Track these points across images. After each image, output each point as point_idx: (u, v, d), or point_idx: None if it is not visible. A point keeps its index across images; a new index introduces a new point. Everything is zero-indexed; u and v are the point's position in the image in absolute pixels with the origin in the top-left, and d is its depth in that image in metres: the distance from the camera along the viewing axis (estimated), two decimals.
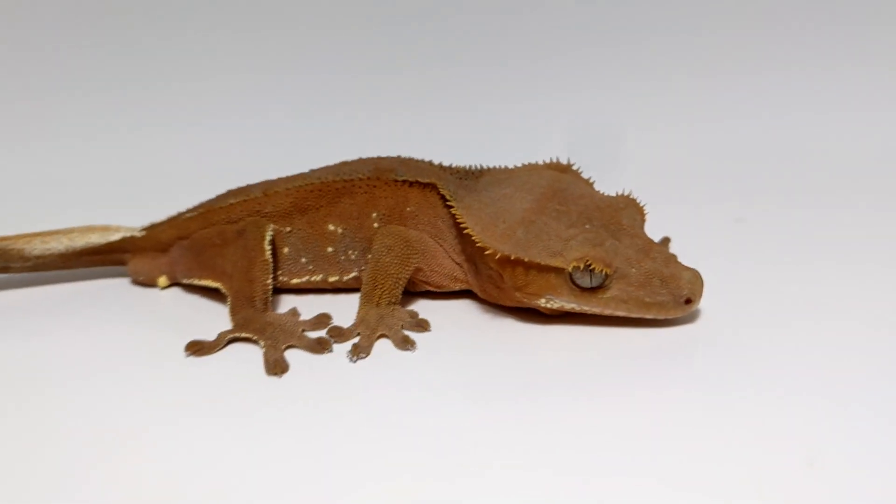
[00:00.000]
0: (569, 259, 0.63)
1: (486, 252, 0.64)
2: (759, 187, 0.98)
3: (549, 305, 0.65)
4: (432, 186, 0.71)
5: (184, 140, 1.19)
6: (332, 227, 0.72)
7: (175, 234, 0.76)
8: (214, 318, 0.71)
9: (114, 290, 0.79)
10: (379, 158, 0.76)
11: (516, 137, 1.15)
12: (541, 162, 0.74)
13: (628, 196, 0.69)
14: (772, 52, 1.14)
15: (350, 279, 0.73)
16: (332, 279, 0.73)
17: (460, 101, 1.21)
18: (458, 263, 0.70)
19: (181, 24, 1.21)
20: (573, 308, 0.65)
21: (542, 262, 0.63)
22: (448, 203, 0.69)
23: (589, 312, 0.65)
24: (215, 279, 0.72)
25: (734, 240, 0.84)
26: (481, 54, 1.19)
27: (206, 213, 0.75)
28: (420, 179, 0.71)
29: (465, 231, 0.66)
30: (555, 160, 0.74)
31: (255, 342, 0.66)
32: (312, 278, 0.73)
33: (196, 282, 0.74)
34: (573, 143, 1.11)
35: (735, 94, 1.16)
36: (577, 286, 0.63)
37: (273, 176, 0.80)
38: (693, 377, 0.59)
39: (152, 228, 0.78)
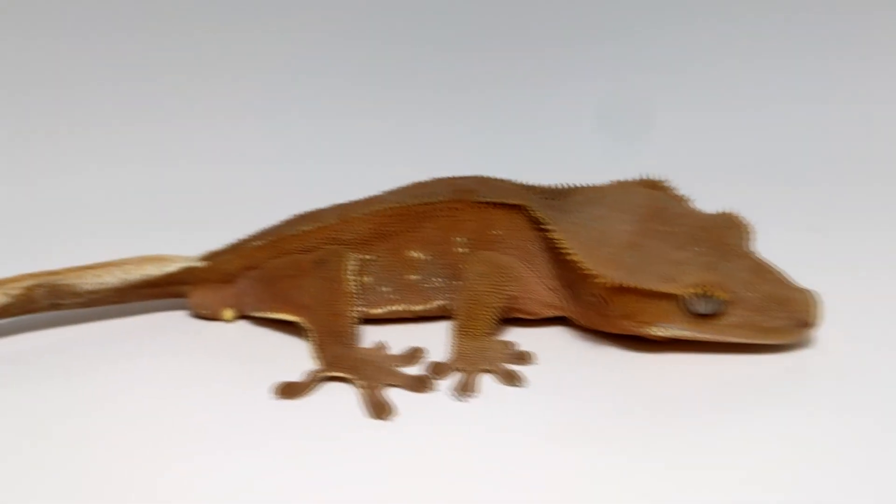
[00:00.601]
0: (684, 285, 0.59)
1: (596, 280, 0.60)
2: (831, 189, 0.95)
3: (660, 333, 0.62)
4: (520, 208, 0.67)
5: (211, 163, 1.13)
6: (415, 254, 0.68)
7: (242, 265, 0.71)
8: (290, 352, 0.67)
9: (174, 323, 0.73)
10: (455, 178, 0.72)
11: (543, 127, 1.12)
12: (630, 179, 0.71)
13: (731, 213, 0.66)
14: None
15: (435, 308, 0.69)
16: (415, 308, 0.69)
17: (482, 91, 1.16)
18: (552, 289, 0.67)
19: (200, 37, 1.16)
20: (686, 336, 0.61)
21: (656, 289, 0.60)
22: (543, 227, 0.65)
23: (702, 340, 0.62)
24: (292, 312, 0.67)
25: (813, 250, 0.81)
26: (502, 44, 1.15)
27: (277, 241, 0.70)
28: (506, 201, 0.68)
29: (568, 257, 0.62)
30: (645, 176, 0.71)
31: (350, 382, 0.62)
32: (395, 308, 0.69)
33: (269, 315, 0.69)
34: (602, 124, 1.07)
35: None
36: (692, 313, 0.60)
37: (306, 196, 0.77)
38: (819, 407, 0.56)
39: (215, 258, 0.73)
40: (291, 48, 1.17)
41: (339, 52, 1.17)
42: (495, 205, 0.68)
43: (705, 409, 0.58)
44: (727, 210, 0.66)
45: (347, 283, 0.65)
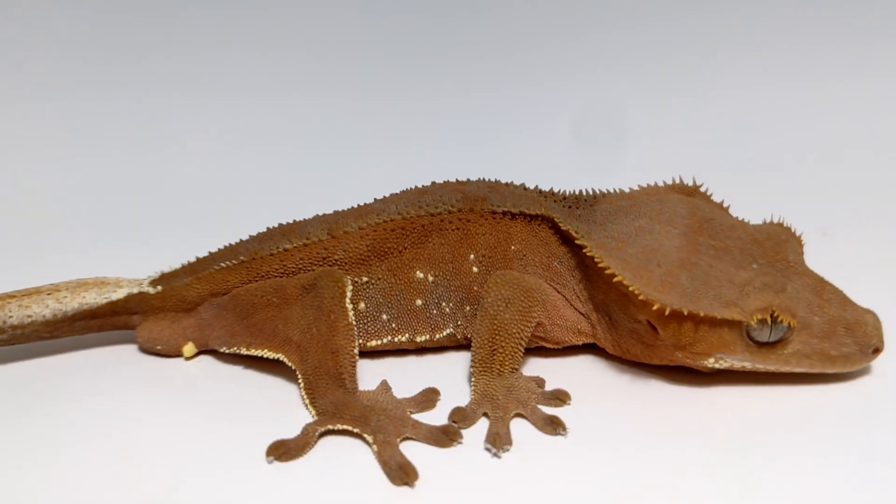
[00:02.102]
0: (748, 310, 0.51)
1: (652, 306, 0.51)
2: (837, 191, 0.89)
3: (716, 366, 0.53)
4: (543, 219, 0.58)
5: (173, 156, 0.99)
6: (420, 275, 0.58)
7: (206, 290, 0.59)
8: (271, 397, 0.56)
9: (119, 361, 0.60)
10: (461, 184, 0.61)
11: (520, 128, 1.03)
12: (661, 184, 0.62)
13: (781, 223, 0.58)
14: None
15: (443, 338, 0.59)
16: (420, 339, 0.58)
17: (461, 92, 1.07)
18: (583, 314, 0.57)
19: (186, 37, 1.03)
20: (745, 367, 0.53)
21: (718, 316, 0.51)
22: (576, 242, 0.56)
23: (762, 371, 0.54)
24: (275, 349, 0.55)
25: (826, 260, 0.73)
26: (481, 45, 1.05)
27: (251, 262, 0.58)
28: (526, 211, 0.58)
29: (613, 280, 0.53)
30: (677, 181, 0.62)
31: (357, 436, 0.51)
32: (396, 339, 0.58)
33: (243, 351, 0.57)
34: (579, 132, 0.99)
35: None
36: (754, 341, 0.52)
37: (276, 203, 0.65)
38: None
39: (169, 282, 0.60)
40: (271, 50, 1.06)
41: (319, 55, 1.06)
42: (513, 215, 0.58)
43: (780, 451, 0.49)
44: (774, 221, 0.58)
45: (346, 312, 0.54)
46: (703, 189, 0.61)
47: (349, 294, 0.55)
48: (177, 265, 0.62)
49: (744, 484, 0.47)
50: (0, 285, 0.61)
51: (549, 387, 0.55)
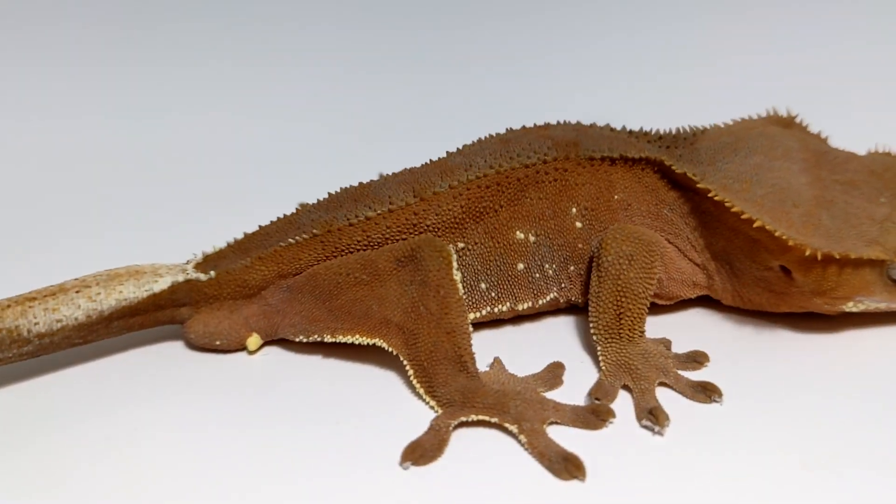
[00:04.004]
0: (892, 248, 0.47)
1: (803, 251, 0.46)
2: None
3: (854, 309, 0.49)
4: (647, 163, 0.52)
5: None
6: (520, 235, 0.51)
7: (273, 272, 0.50)
8: (370, 389, 0.48)
9: (171, 360, 0.51)
10: (544, 128, 0.55)
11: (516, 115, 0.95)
12: (755, 117, 0.57)
13: (888, 153, 0.54)
14: None
15: (545, 303, 0.52)
16: (522, 307, 0.52)
17: (457, 75, 0.99)
18: (698, 265, 0.52)
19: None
20: (880, 308, 0.50)
21: (865, 256, 0.47)
22: (699, 186, 0.50)
23: (894, 310, 0.50)
24: (369, 333, 0.48)
25: None
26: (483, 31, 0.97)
27: (326, 235, 0.50)
28: (627, 154, 0.52)
29: (755, 225, 0.47)
30: (772, 112, 0.57)
31: (496, 426, 0.44)
32: (496, 309, 0.51)
33: (328, 338, 0.49)
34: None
35: None
36: (894, 280, 0.48)
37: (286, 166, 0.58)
38: None
39: (222, 265, 0.51)
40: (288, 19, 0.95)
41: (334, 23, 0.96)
42: (613, 161, 0.52)
43: None
44: (881, 148, 0.55)
45: (456, 285, 0.47)
46: (798, 119, 0.57)
47: (455, 264, 0.47)
48: (205, 246, 0.53)
49: None
50: None
51: (673, 347, 0.50)
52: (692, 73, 0.95)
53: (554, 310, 0.54)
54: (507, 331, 0.53)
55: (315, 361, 0.51)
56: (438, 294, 0.46)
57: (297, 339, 0.50)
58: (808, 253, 0.46)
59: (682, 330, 0.53)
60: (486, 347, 0.51)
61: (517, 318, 0.53)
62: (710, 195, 0.49)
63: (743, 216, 0.48)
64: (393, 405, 0.47)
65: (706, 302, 0.54)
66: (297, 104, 0.95)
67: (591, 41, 0.99)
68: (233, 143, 0.87)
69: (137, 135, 0.87)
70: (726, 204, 0.49)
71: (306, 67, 0.97)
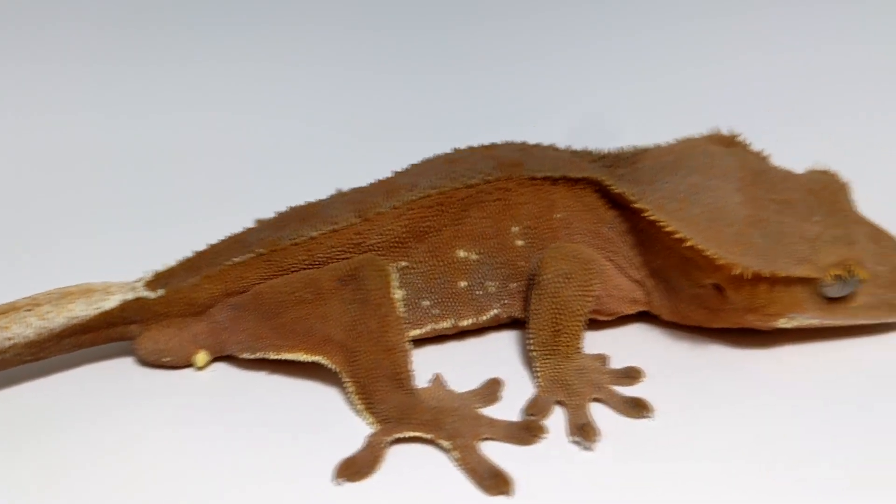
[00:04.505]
0: (822, 266, 0.49)
1: (731, 269, 0.48)
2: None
3: (786, 325, 0.51)
4: (587, 183, 0.53)
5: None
6: (462, 254, 0.52)
7: (219, 290, 0.52)
8: (312, 405, 0.50)
9: (123, 378, 0.52)
10: (489, 147, 0.56)
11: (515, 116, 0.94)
12: (697, 135, 0.58)
13: (827, 170, 0.55)
14: None
15: (487, 320, 0.54)
16: (464, 323, 0.53)
17: (456, 76, 0.98)
18: (636, 281, 0.53)
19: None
20: (813, 324, 0.51)
21: (795, 275, 0.48)
22: (631, 206, 0.51)
23: (828, 326, 0.51)
24: (312, 351, 0.49)
25: None
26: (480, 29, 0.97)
27: (271, 254, 0.51)
28: (568, 174, 0.53)
29: (685, 244, 0.49)
30: (714, 131, 0.58)
31: (430, 442, 0.46)
32: (439, 326, 0.53)
33: (272, 355, 0.50)
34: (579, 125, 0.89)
35: None
36: (825, 298, 0.50)
37: (266, 182, 0.58)
38: None
39: (171, 284, 0.52)
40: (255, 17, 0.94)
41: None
42: (555, 180, 0.53)
43: (870, 401, 0.48)
44: (819, 167, 0.56)
45: (394, 304, 0.48)
46: (740, 138, 0.58)
47: (395, 283, 0.49)
48: (164, 262, 0.54)
49: (841, 441, 0.45)
50: None
51: (610, 363, 0.52)
52: (670, 83, 0.95)
53: (498, 325, 0.55)
54: (452, 347, 0.54)
55: (261, 378, 0.52)
56: (378, 313, 0.48)
57: (244, 356, 0.52)
58: (737, 271, 0.48)
59: (623, 345, 0.54)
60: (430, 363, 0.52)
61: (462, 334, 0.55)
62: (644, 214, 0.51)
63: (675, 235, 0.49)
64: (335, 421, 0.48)
65: (647, 317, 0.55)
66: (285, 105, 0.93)
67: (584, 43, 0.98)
68: (217, 144, 0.86)
69: (113, 137, 0.87)
70: (660, 223, 0.50)
71: (293, 68, 0.96)
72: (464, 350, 0.54)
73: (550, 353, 0.50)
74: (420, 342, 0.54)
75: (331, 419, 0.48)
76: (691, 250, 0.49)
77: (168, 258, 0.55)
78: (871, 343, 0.52)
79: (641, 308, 0.54)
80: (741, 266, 0.48)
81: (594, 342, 0.54)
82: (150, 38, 0.92)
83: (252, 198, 0.63)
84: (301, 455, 0.46)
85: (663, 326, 0.55)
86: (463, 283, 0.52)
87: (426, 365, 0.52)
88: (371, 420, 0.47)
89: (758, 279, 0.48)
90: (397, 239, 0.51)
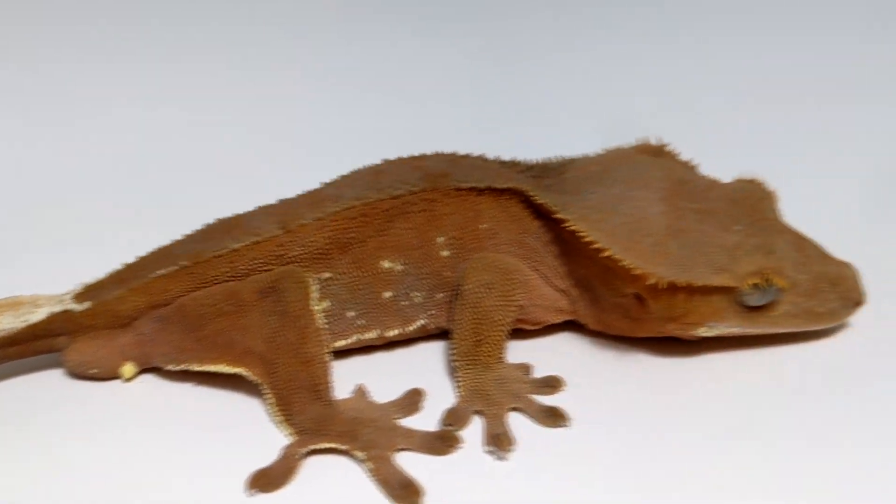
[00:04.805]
0: (741, 275, 0.49)
1: (647, 280, 0.48)
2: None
3: (707, 334, 0.51)
4: (512, 193, 0.53)
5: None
6: (387, 264, 0.52)
7: (144, 302, 0.52)
8: (235, 416, 0.50)
9: (48, 389, 0.53)
10: (418, 158, 0.56)
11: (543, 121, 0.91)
12: (626, 145, 0.58)
13: (754, 179, 0.56)
14: None
15: (414, 330, 0.54)
16: (390, 333, 0.53)
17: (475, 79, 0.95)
18: (562, 291, 0.54)
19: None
20: (733, 332, 0.51)
21: (712, 284, 0.49)
22: (553, 216, 0.52)
23: (749, 334, 0.52)
24: (234, 363, 0.49)
25: None
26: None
27: (194, 266, 0.52)
28: (494, 185, 0.53)
29: (602, 254, 0.49)
30: (642, 141, 0.59)
31: (345, 453, 0.46)
32: (364, 336, 0.53)
33: (195, 367, 0.51)
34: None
35: None
36: (745, 306, 0.50)
37: (214, 190, 0.59)
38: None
39: (98, 296, 0.53)
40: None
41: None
42: (480, 191, 0.53)
43: (776, 413, 0.48)
44: (746, 176, 0.56)
45: (314, 315, 0.48)
46: (668, 148, 0.59)
47: (314, 294, 0.49)
48: (99, 273, 0.55)
49: (763, 448, 0.45)
50: None
51: (533, 372, 0.52)
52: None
53: (427, 336, 0.55)
54: (378, 357, 0.55)
55: (187, 389, 0.52)
56: (297, 324, 0.48)
57: (169, 368, 0.52)
58: (652, 281, 0.48)
59: (549, 354, 0.54)
60: (357, 374, 0.53)
61: (389, 345, 0.55)
62: (566, 225, 0.51)
63: (594, 245, 0.50)
64: (257, 433, 0.48)
65: (575, 327, 0.56)
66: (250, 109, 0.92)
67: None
68: (164, 151, 0.85)
69: (48, 149, 0.85)
70: (580, 233, 0.50)
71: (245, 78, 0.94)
72: (391, 360, 0.54)
73: (472, 362, 0.50)
74: (347, 352, 0.54)
75: (253, 431, 0.49)
76: (610, 260, 0.49)
77: (105, 270, 0.55)
78: (794, 351, 0.53)
79: (567, 317, 0.55)
80: (656, 276, 0.48)
81: (521, 351, 0.54)
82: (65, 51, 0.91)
83: (197, 208, 0.63)
84: (219, 466, 0.46)
85: (590, 335, 0.55)
86: (388, 294, 0.53)
87: (352, 375, 0.52)
88: (289, 431, 0.47)
89: (675, 289, 0.49)
90: (320, 250, 0.51)
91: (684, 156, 0.59)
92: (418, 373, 0.53)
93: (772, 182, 0.56)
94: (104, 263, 0.56)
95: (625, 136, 0.61)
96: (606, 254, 0.49)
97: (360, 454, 0.45)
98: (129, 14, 0.91)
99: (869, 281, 0.53)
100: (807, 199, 0.69)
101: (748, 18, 0.93)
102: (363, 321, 0.53)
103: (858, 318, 0.53)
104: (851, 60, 0.90)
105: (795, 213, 0.57)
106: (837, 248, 0.54)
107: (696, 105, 0.88)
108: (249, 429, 0.49)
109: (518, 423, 0.48)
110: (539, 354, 0.54)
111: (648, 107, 0.87)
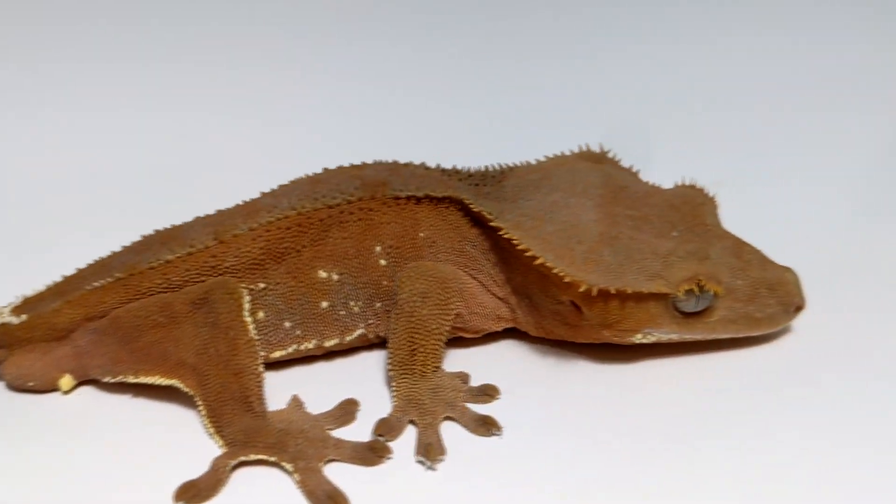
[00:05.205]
0: (674, 282, 0.49)
1: (578, 287, 0.48)
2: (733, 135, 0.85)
3: (644, 341, 0.51)
4: (450, 201, 0.53)
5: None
6: (323, 274, 0.52)
7: (80, 314, 0.52)
8: (171, 429, 0.50)
9: None
10: (358, 168, 0.56)
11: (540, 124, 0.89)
12: (567, 152, 0.58)
13: (694, 185, 0.56)
14: None
15: (353, 339, 0.54)
16: (329, 343, 0.53)
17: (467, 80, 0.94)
18: (501, 299, 0.54)
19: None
20: (671, 339, 0.51)
21: (645, 290, 0.48)
22: (489, 224, 0.52)
23: (688, 340, 0.52)
24: (167, 374, 0.49)
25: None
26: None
27: (128, 277, 0.51)
28: (432, 193, 0.53)
29: (535, 262, 0.49)
30: (584, 148, 0.59)
31: (275, 465, 0.46)
32: (302, 346, 0.53)
33: (131, 379, 0.51)
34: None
35: None
36: (681, 313, 0.50)
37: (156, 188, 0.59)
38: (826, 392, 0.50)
39: (35, 309, 0.52)
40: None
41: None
42: (419, 199, 0.53)
43: (715, 419, 0.48)
44: (687, 182, 0.56)
45: (246, 326, 0.48)
46: (611, 154, 0.59)
47: (247, 305, 0.49)
48: (40, 286, 0.55)
49: (693, 455, 0.45)
50: None
51: (474, 380, 0.52)
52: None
53: (370, 345, 0.55)
54: (319, 367, 0.54)
55: (124, 401, 0.52)
56: (227, 336, 0.48)
57: (106, 380, 0.52)
58: (582, 288, 0.48)
59: (492, 361, 0.54)
60: (296, 384, 0.52)
61: (330, 354, 0.55)
62: (500, 233, 0.51)
63: (528, 253, 0.49)
64: (192, 445, 0.48)
65: (519, 333, 0.55)
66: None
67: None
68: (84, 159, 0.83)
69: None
70: (514, 241, 0.50)
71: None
72: (331, 370, 0.54)
73: (407, 372, 0.50)
74: (286, 363, 0.54)
75: (189, 443, 0.48)
76: (544, 268, 0.49)
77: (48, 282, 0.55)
78: (734, 356, 0.52)
79: (508, 325, 0.54)
80: (587, 283, 0.48)
81: (463, 359, 0.54)
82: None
83: (150, 218, 0.62)
84: (152, 478, 0.46)
85: (533, 342, 0.55)
86: (325, 304, 0.52)
87: (292, 385, 0.52)
88: (220, 443, 0.47)
89: (608, 296, 0.49)
90: (254, 261, 0.51)
91: (681, 157, 0.59)
92: (358, 382, 0.53)
93: (734, 187, 0.57)
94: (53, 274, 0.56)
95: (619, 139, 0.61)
96: (539, 261, 0.49)
97: (288, 465, 0.45)
98: (100, 15, 0.90)
99: (817, 285, 0.53)
100: (764, 205, 0.71)
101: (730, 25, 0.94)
102: (300, 331, 0.53)
103: (802, 323, 0.53)
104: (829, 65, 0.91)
105: (756, 217, 0.58)
106: (787, 252, 0.54)
107: (695, 106, 0.88)
108: (185, 441, 0.49)
109: (453, 433, 0.48)
110: (481, 362, 0.54)
111: (641, 112, 0.88)
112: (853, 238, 0.65)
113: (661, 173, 0.59)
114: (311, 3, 0.92)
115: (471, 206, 0.53)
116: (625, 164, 0.59)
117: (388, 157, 0.59)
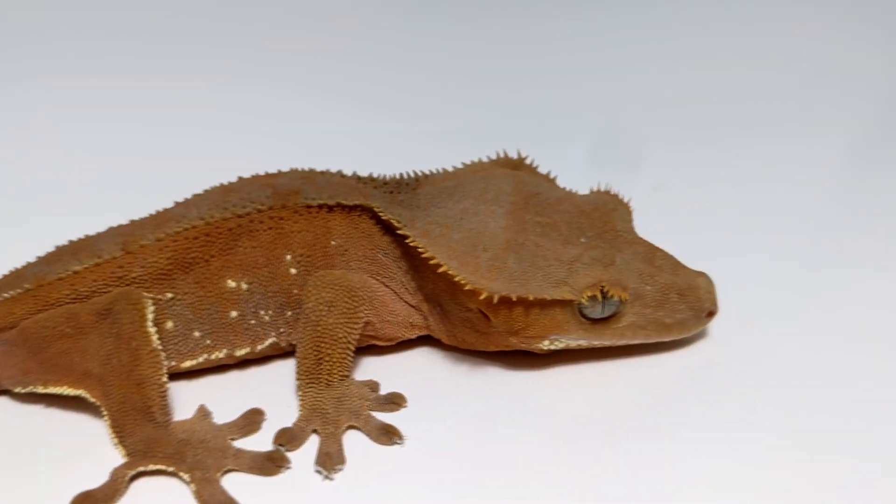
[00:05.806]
0: (578, 288, 0.49)
1: (479, 295, 0.48)
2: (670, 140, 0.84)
3: (552, 347, 0.51)
4: (362, 209, 0.53)
5: None
6: (231, 284, 0.52)
7: None
8: (78, 440, 0.50)
9: None
10: (271, 177, 0.56)
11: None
12: (485, 159, 0.58)
13: (608, 191, 0.56)
14: None
15: (265, 348, 0.54)
16: (240, 353, 0.53)
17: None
18: (413, 307, 0.54)
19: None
20: (581, 345, 0.51)
21: (548, 297, 0.49)
22: (398, 231, 0.52)
23: (599, 346, 0.52)
24: (74, 385, 0.50)
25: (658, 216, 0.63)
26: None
27: (36, 289, 0.52)
28: (343, 201, 0.53)
29: (439, 270, 0.49)
30: (501, 154, 0.59)
31: (173, 475, 0.46)
32: (213, 356, 0.53)
33: (40, 389, 0.51)
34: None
35: None
36: (587, 319, 0.50)
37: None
38: (737, 400, 0.50)
39: None
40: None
41: None
42: (330, 208, 0.53)
43: (618, 426, 0.49)
44: (601, 188, 0.56)
45: (149, 337, 0.49)
46: (528, 161, 0.59)
47: (150, 315, 0.49)
48: None
49: (597, 463, 0.46)
50: None
51: (385, 388, 0.52)
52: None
53: (282, 354, 0.55)
54: (232, 376, 0.55)
55: (36, 411, 0.53)
56: (130, 346, 0.48)
57: (17, 390, 0.52)
58: (484, 296, 0.48)
59: (405, 369, 0.54)
60: (208, 393, 0.53)
61: (244, 363, 0.55)
62: (407, 240, 0.51)
63: (432, 261, 0.50)
64: (95, 455, 0.48)
65: (434, 341, 0.56)
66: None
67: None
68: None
69: None
70: (419, 249, 0.50)
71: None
72: (243, 379, 0.54)
73: (314, 381, 0.50)
74: (198, 372, 0.54)
75: (95, 453, 0.49)
76: (448, 275, 0.49)
77: None
78: (647, 362, 0.53)
79: (421, 332, 0.55)
80: (488, 290, 0.48)
81: (375, 367, 0.54)
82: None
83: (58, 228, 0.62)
84: (52, 488, 0.46)
85: (447, 350, 0.55)
86: (234, 313, 0.53)
87: (203, 395, 0.52)
88: (123, 453, 0.47)
89: (511, 303, 0.49)
90: (161, 271, 0.51)
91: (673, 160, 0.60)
92: (270, 391, 0.53)
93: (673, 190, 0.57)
94: None
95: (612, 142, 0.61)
96: (443, 269, 0.49)
97: (185, 476, 0.45)
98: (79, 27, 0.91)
99: (736, 290, 0.54)
100: (702, 209, 0.71)
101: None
102: (210, 341, 0.53)
103: (718, 328, 0.54)
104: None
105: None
106: (714, 258, 0.55)
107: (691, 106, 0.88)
108: (92, 451, 0.49)
109: (357, 442, 0.48)
110: (395, 370, 0.54)
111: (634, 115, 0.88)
112: (789, 245, 0.65)
113: (588, 180, 0.59)
114: (242, 12, 0.93)
115: (381, 213, 0.53)
116: (542, 170, 0.59)
117: (336, 166, 0.58)
